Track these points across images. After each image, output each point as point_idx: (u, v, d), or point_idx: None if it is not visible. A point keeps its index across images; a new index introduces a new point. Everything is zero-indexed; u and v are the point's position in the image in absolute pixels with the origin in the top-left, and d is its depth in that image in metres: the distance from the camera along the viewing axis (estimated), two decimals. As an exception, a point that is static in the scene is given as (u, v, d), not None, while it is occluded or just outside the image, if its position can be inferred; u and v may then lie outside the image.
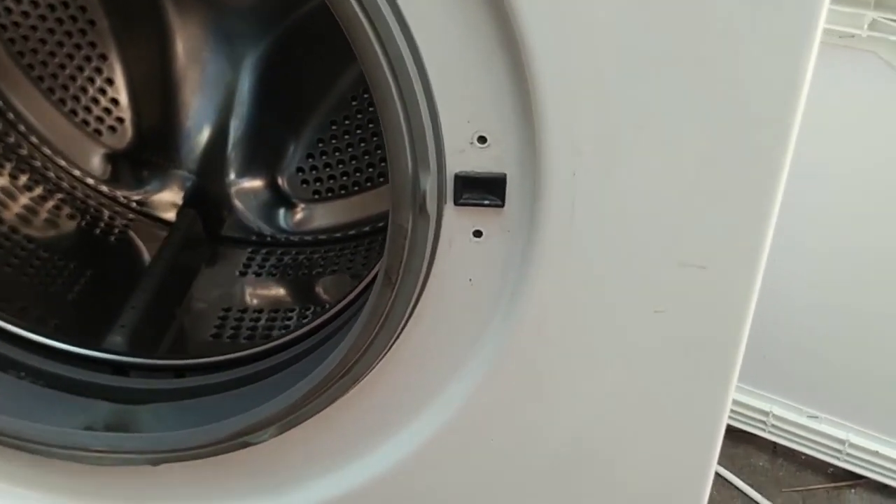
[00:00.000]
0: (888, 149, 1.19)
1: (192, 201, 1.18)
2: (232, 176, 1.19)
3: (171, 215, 1.19)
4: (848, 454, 1.52)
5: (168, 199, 1.19)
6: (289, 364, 0.85)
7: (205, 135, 1.18)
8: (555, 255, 0.65)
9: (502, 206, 0.63)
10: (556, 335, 0.69)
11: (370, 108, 1.13)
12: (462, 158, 0.62)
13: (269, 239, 1.20)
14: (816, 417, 1.53)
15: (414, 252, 0.64)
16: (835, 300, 1.42)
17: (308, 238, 1.20)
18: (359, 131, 1.15)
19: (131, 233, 1.18)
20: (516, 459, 0.80)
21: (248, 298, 1.14)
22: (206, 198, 1.19)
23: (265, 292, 1.14)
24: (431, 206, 0.62)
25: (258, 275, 1.16)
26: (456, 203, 0.64)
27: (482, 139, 0.61)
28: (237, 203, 1.20)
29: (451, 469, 0.82)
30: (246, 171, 1.19)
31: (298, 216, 1.20)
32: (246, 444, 0.78)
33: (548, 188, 0.61)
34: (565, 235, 0.63)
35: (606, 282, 0.66)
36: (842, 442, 1.52)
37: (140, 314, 1.01)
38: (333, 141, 1.16)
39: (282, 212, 1.20)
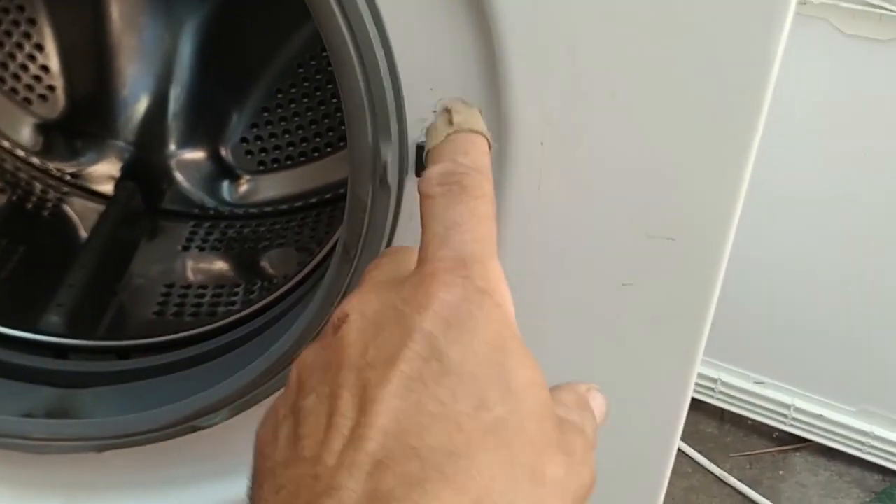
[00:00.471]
0: (838, 113, 1.20)
1: (130, 173, 1.13)
2: (172, 147, 1.14)
3: (108, 188, 1.13)
4: (793, 418, 1.55)
5: (105, 172, 1.13)
6: (238, 344, 0.81)
7: (143, 103, 1.12)
8: (520, 228, 0.62)
9: (465, 176, 0.61)
10: (520, 309, 0.67)
11: (317, 76, 1.09)
12: (424, 127, 0.59)
13: (212, 212, 1.16)
14: (762, 383, 1.55)
15: (374, 226, 0.62)
16: (781, 268, 1.44)
17: (253, 210, 1.16)
18: (305, 99, 1.11)
19: (66, 207, 1.12)
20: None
21: (190, 274, 1.09)
22: (146, 170, 1.13)
23: (209, 267, 1.10)
24: (392, 178, 0.59)
25: (201, 249, 1.12)
26: (417, 174, 0.61)
27: (446, 108, 0.58)
28: (178, 175, 1.15)
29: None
30: (187, 141, 1.14)
31: (243, 188, 1.16)
32: (195, 429, 0.75)
33: (514, 158, 0.59)
34: (532, 206, 0.61)
35: (574, 254, 0.64)
36: (787, 406, 1.55)
37: (78, 292, 0.96)
38: (279, 110, 1.12)
39: (225, 184, 1.16)
